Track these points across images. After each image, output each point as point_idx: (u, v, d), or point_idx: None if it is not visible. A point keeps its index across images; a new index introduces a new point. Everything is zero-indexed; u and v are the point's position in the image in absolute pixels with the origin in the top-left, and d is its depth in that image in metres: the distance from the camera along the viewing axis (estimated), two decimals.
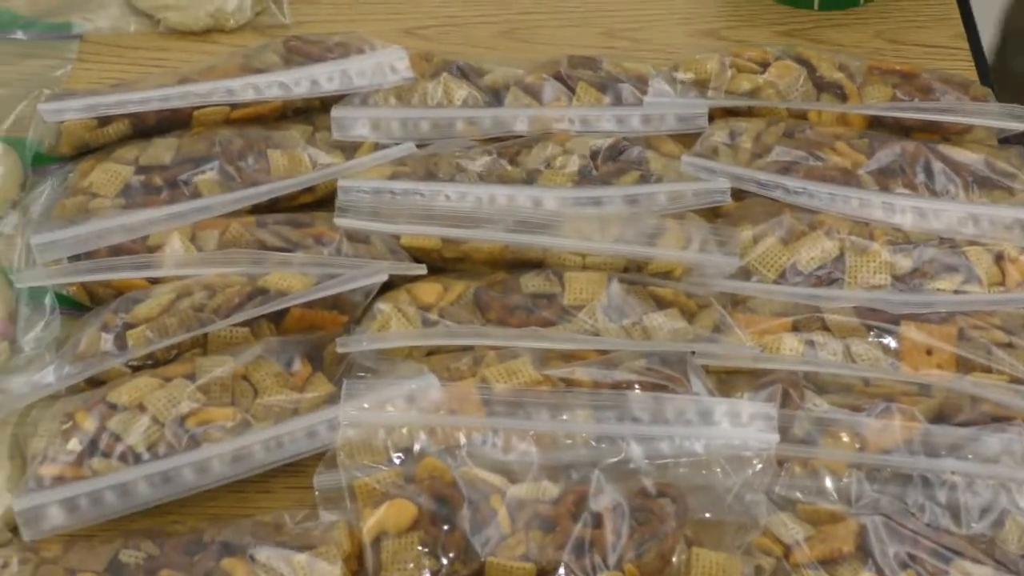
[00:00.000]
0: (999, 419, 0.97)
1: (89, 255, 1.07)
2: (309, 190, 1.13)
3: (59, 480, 0.93)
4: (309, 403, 0.98)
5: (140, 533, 0.92)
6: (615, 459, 0.94)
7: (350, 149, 1.15)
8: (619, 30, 1.32)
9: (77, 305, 1.07)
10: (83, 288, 1.06)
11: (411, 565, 0.89)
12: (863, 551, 0.90)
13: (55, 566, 0.90)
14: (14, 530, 0.95)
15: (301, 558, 0.89)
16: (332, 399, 0.98)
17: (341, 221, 1.07)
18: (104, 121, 1.14)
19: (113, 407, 0.95)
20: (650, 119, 1.17)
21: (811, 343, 1.02)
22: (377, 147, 1.15)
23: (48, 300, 1.07)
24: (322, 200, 1.13)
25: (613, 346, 1.00)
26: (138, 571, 0.89)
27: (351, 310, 1.03)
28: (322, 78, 1.17)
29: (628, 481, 0.92)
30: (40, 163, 1.17)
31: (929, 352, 1.02)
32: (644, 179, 1.11)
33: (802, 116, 1.18)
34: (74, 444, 0.94)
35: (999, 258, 1.07)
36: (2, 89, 1.23)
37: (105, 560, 0.90)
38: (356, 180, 1.09)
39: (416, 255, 1.07)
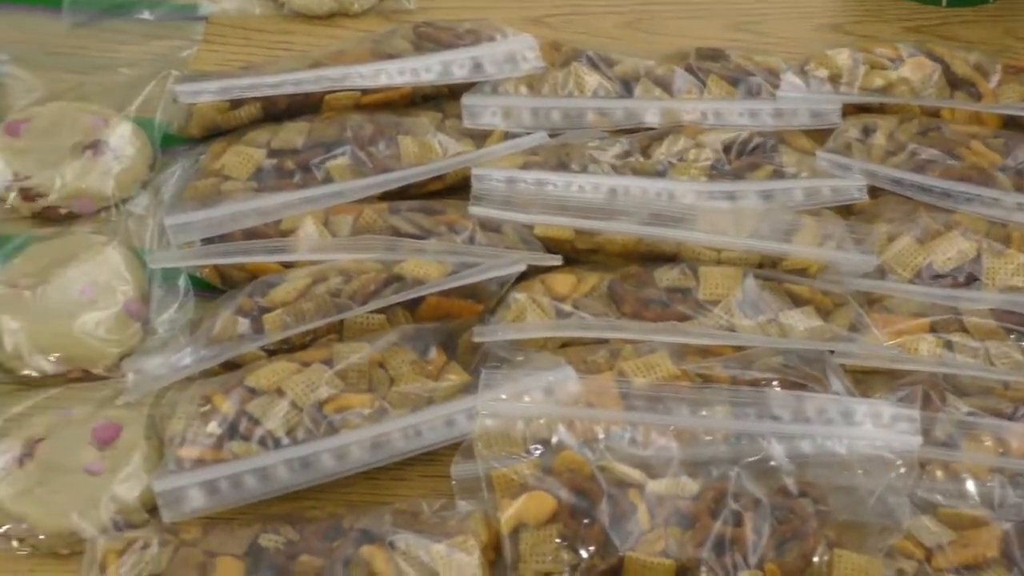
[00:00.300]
0: None
1: (222, 238, 1.06)
2: (439, 177, 1.12)
3: (199, 463, 0.93)
4: (444, 392, 0.97)
5: (279, 518, 0.92)
6: (755, 457, 0.93)
7: (480, 137, 1.15)
8: (743, 23, 1.32)
9: (207, 287, 1.07)
10: (215, 270, 1.06)
11: (550, 558, 0.89)
12: (1007, 557, 0.89)
13: (194, 548, 0.90)
14: (151, 511, 0.95)
15: (440, 548, 0.89)
16: (468, 388, 0.98)
17: (476, 209, 1.06)
18: (236, 104, 1.14)
19: (252, 391, 0.95)
20: (782, 113, 1.16)
21: (949, 344, 1.01)
22: (507, 136, 1.15)
23: (182, 282, 1.07)
24: (452, 187, 1.13)
25: (751, 343, 0.99)
26: (278, 556, 0.89)
27: (487, 299, 1.03)
28: (453, 65, 1.17)
29: (769, 479, 0.92)
30: (168, 144, 1.18)
31: None
32: (778, 174, 1.10)
33: (935, 114, 1.17)
34: (213, 427, 0.94)
35: None
36: (130, 69, 1.23)
37: (245, 544, 0.90)
38: (489, 169, 1.09)
39: (548, 245, 1.06)
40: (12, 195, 1.12)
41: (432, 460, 0.97)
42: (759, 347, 0.99)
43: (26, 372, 1.02)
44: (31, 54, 1.25)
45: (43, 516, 0.94)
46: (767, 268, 1.05)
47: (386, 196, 1.10)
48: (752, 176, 1.10)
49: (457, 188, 1.12)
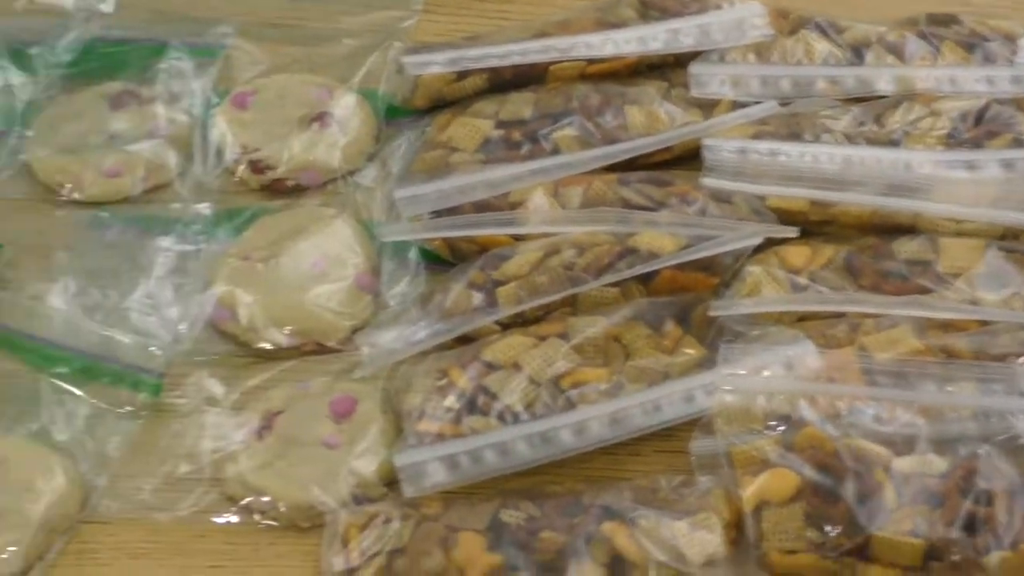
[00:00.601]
0: None
1: (451, 210, 1.06)
2: (666, 148, 1.11)
3: (439, 437, 0.93)
4: (680, 367, 0.96)
5: (518, 493, 0.92)
6: (1005, 435, 0.90)
7: (707, 107, 1.13)
8: None
9: (436, 259, 1.07)
10: (445, 243, 1.06)
11: (794, 536, 0.87)
12: None
13: (436, 523, 0.90)
14: (388, 485, 0.95)
15: (681, 525, 0.88)
16: (704, 363, 0.96)
17: (708, 181, 1.05)
18: (463, 75, 1.13)
19: (489, 365, 0.95)
20: (1021, 80, 1.12)
21: None
22: (735, 105, 1.13)
23: (412, 255, 1.07)
24: (679, 158, 1.11)
25: (997, 317, 0.96)
26: (519, 531, 0.88)
27: (721, 272, 1.01)
28: (680, 33, 1.15)
29: (1019, 458, 0.89)
30: (392, 115, 1.17)
31: None
32: (1018, 142, 1.07)
33: None
34: (451, 401, 0.94)
35: None
36: (352, 40, 1.23)
37: (486, 519, 0.89)
38: (720, 139, 1.07)
39: (781, 217, 1.04)
40: (242, 167, 1.13)
41: (668, 435, 0.96)
42: (1004, 322, 0.96)
43: (261, 345, 1.03)
44: (254, 27, 1.25)
45: (284, 489, 0.94)
46: (1010, 240, 1.02)
47: (612, 167, 1.09)
48: (991, 144, 1.07)
49: (684, 159, 1.10)
